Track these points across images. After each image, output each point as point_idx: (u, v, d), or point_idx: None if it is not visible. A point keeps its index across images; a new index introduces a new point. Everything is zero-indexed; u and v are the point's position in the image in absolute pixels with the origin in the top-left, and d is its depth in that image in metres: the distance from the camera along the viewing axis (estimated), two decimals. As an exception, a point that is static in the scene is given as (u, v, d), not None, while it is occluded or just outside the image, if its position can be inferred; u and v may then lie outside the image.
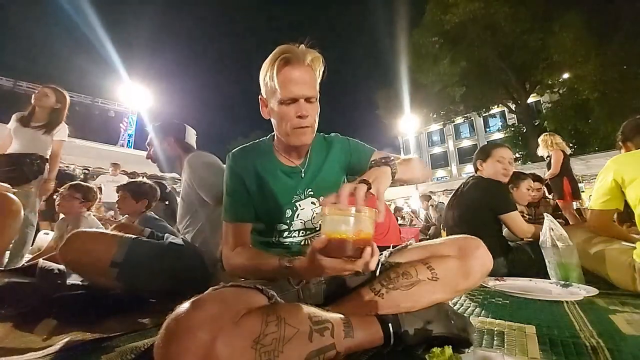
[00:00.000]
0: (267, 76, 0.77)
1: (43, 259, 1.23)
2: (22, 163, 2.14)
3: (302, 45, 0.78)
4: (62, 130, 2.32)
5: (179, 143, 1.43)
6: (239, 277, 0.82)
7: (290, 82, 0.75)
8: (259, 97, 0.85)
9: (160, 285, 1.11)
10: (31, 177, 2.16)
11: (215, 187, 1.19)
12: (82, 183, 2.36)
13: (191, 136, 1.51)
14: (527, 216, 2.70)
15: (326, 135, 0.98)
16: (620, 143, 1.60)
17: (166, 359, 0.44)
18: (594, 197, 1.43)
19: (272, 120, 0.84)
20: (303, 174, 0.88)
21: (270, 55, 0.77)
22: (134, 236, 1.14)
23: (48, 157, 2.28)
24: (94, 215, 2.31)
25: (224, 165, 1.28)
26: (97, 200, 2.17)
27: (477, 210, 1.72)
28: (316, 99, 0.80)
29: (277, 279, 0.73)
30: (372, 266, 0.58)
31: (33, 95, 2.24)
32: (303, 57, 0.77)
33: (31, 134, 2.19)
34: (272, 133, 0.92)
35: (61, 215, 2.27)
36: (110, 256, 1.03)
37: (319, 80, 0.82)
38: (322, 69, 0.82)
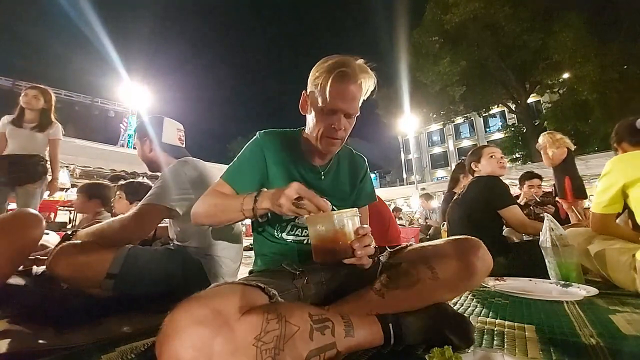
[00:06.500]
0: (318, 81, 0.78)
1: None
2: (27, 164, 2.22)
3: (360, 60, 0.79)
4: (56, 129, 2.39)
5: (154, 144, 1.29)
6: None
7: (336, 96, 0.77)
8: (303, 92, 0.86)
9: (159, 292, 1.07)
10: (36, 178, 2.24)
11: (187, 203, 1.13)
12: (94, 182, 2.34)
13: (171, 133, 1.33)
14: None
15: (355, 152, 1.02)
16: (615, 145, 1.57)
17: (167, 355, 0.44)
18: (597, 200, 1.37)
19: (307, 117, 0.87)
20: (322, 176, 0.90)
21: (328, 64, 0.78)
22: (128, 246, 1.08)
23: (47, 155, 2.35)
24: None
25: (202, 173, 1.24)
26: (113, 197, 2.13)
27: (477, 209, 1.73)
28: (355, 115, 0.83)
29: (241, 218, 0.74)
30: (365, 258, 0.62)
31: (21, 98, 2.29)
32: (357, 75, 0.78)
33: (27, 134, 2.26)
34: (303, 127, 0.93)
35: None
36: (106, 268, 0.99)
37: (364, 98, 0.84)
38: (372, 89, 0.84)
